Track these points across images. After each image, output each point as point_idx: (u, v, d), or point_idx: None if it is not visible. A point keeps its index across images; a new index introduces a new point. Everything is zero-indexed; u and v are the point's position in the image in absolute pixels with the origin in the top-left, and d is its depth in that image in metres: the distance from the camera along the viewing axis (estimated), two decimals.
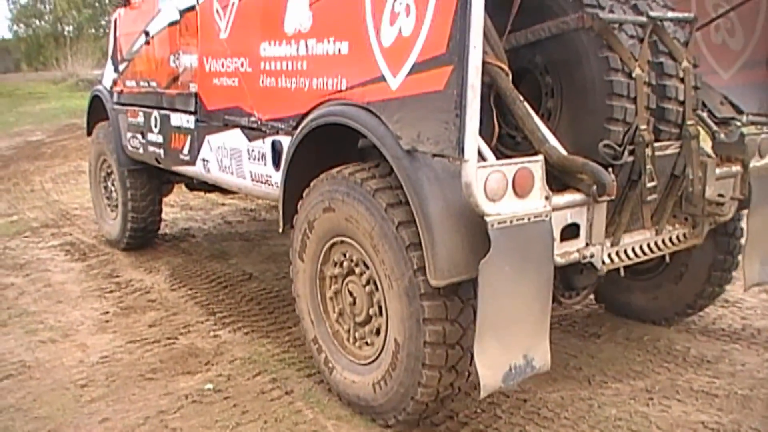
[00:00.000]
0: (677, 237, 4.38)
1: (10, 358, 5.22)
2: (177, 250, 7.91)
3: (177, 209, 9.95)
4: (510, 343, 3.32)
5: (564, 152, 3.64)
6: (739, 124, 4.57)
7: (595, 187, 3.58)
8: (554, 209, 3.49)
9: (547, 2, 4.01)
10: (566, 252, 3.67)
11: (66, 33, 49.48)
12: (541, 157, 3.49)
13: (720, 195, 4.40)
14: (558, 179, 3.59)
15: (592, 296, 5.53)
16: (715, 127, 4.58)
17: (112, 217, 8.26)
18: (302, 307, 4.54)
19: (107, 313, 6.06)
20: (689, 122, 4.19)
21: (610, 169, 3.65)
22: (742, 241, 4.71)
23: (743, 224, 4.67)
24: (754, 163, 4.51)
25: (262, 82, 4.75)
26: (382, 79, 3.63)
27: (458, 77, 3.08)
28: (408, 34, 3.40)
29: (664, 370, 4.70)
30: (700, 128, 4.25)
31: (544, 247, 3.36)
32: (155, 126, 6.64)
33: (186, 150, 6.05)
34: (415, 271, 3.62)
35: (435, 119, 3.26)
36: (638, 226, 4.16)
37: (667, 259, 4.86)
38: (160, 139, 6.60)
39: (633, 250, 4.13)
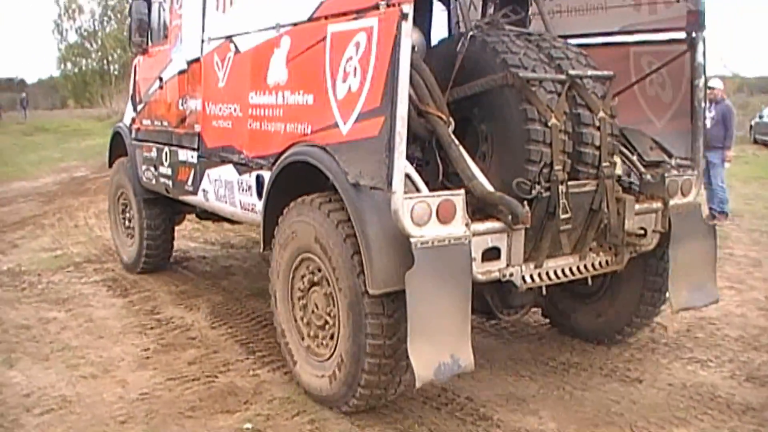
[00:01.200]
0: (599, 263, 5.19)
1: (51, 392, 5.28)
2: (217, 288, 7.99)
3: (218, 247, 10.05)
4: (438, 344, 4.05)
5: (489, 188, 4.50)
6: (668, 166, 5.44)
7: (510, 217, 4.39)
8: (475, 234, 4.35)
9: (481, 62, 4.92)
10: (488, 271, 4.46)
11: (112, 71, 50.00)
12: (462, 191, 4.36)
13: (641, 228, 5.25)
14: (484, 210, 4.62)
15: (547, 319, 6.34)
16: (642, 169, 5.45)
17: (129, 243, 8.99)
18: (278, 314, 5.36)
19: (148, 349, 6.14)
20: (605, 164, 4.91)
21: (526, 203, 4.46)
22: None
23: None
24: (676, 201, 5.34)
25: (250, 125, 5.74)
26: (336, 125, 4.57)
27: (388, 126, 3.96)
28: (355, 90, 4.34)
29: (708, 418, 4.66)
30: (628, 168, 5.38)
31: (462, 265, 4.17)
32: (165, 160, 7.58)
33: (190, 181, 6.97)
34: (358, 274, 4.47)
35: (371, 159, 4.16)
36: (561, 252, 4.90)
37: (606, 282, 5.81)
38: (169, 171, 7.53)
39: (555, 272, 4.90)
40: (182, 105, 7.11)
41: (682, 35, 5.43)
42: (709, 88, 11.20)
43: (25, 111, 49.96)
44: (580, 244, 5.06)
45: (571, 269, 5.00)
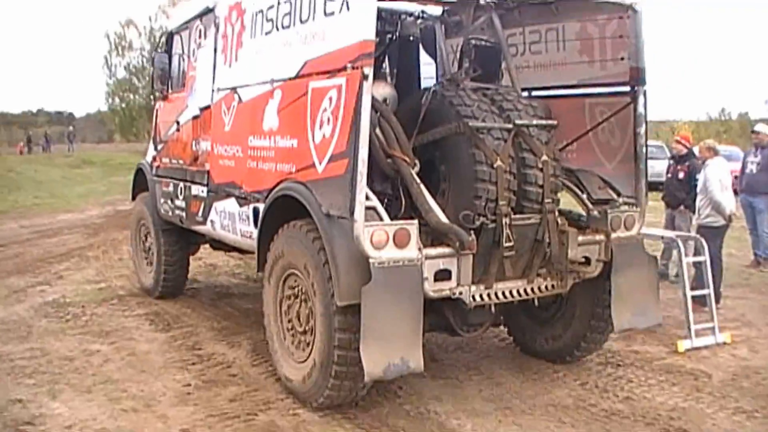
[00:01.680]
0: (545, 286, 6.00)
1: (92, 425, 5.31)
2: (259, 326, 7.98)
3: (259, 284, 10.31)
4: (388, 347, 4.82)
5: (443, 219, 5.37)
6: (615, 203, 6.33)
7: (458, 244, 5.26)
8: (427, 258, 5.18)
9: (440, 113, 5.88)
10: (440, 289, 5.28)
11: None
12: (416, 221, 5.21)
13: (585, 257, 6.06)
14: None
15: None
16: (590, 206, 6.32)
17: (149, 270, 9.72)
18: (268, 320, 6.24)
19: (189, 385, 6.18)
20: (547, 201, 5.81)
21: (473, 232, 5.28)
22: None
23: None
24: (619, 234, 6.15)
25: (248, 164, 6.72)
26: (314, 165, 5.49)
27: (351, 166, 4.84)
28: (328, 136, 5.24)
29: None
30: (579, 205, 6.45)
31: (414, 283, 5.01)
32: (180, 194, 8.47)
33: (200, 213, 7.88)
34: (332, 294, 5.31)
35: (339, 193, 5.06)
36: (511, 276, 5.72)
37: (562, 308, 6.59)
38: (183, 204, 8.43)
39: (503, 293, 5.72)
40: (195, 146, 8.05)
41: (627, 89, 6.21)
42: (755, 132, 11.32)
43: (72, 144, 50.27)
44: (528, 270, 5.90)
45: (518, 291, 5.85)
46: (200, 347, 7.08)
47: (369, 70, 4.86)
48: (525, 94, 6.88)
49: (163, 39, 9.49)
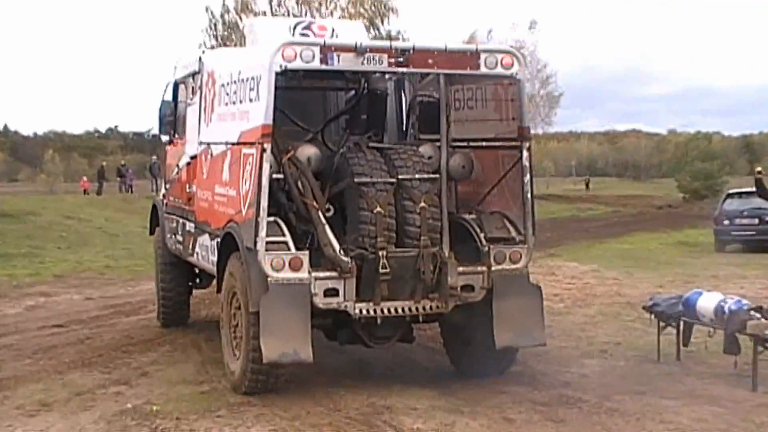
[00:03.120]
0: (429, 307, 9.54)
1: None
2: None
3: None
4: (283, 341, 8.77)
5: (332, 251, 9.19)
6: (513, 240, 9.87)
7: (340, 269, 9.15)
8: (317, 279, 9.10)
9: (344, 170, 9.64)
10: (329, 303, 9.19)
11: None
12: (307, 251, 9.18)
13: (468, 284, 9.63)
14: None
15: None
16: (483, 243, 9.73)
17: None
18: (223, 330, 10.22)
19: None
20: (423, 238, 9.42)
21: (355, 261, 9.31)
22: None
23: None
24: (504, 266, 9.71)
25: (215, 207, 10.66)
26: (241, 211, 9.42)
27: (256, 213, 8.81)
28: (247, 188, 9.23)
29: None
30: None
31: (303, 297, 8.96)
32: (180, 229, 12.63)
33: (190, 246, 12.01)
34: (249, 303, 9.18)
35: (250, 231, 8.95)
36: (399, 297, 9.44)
37: (470, 333, 10.17)
38: (181, 238, 12.56)
39: (389, 309, 9.37)
40: (189, 189, 11.99)
41: (518, 144, 9.68)
42: None
43: (156, 180, 47.02)
44: (416, 293, 9.51)
45: (404, 309, 9.48)
46: None
47: (267, 146, 8.77)
48: (464, 143, 10.81)
49: (170, 87, 13.15)
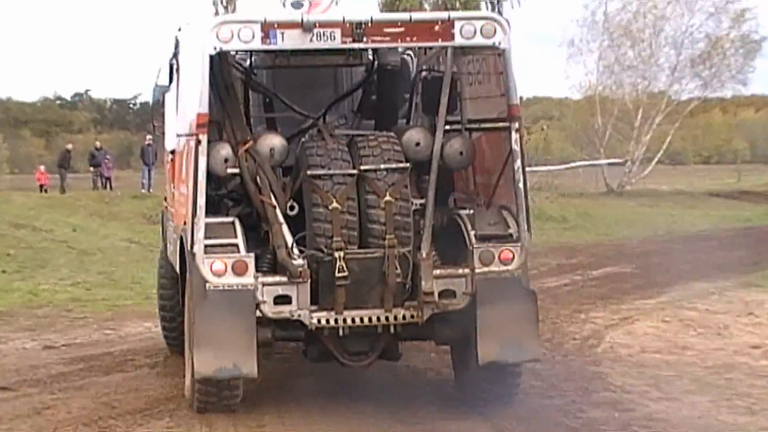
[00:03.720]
0: (402, 316, 10.97)
1: None
2: None
3: None
4: (220, 354, 10.70)
5: (282, 254, 11.17)
6: (508, 237, 11.48)
7: (289, 274, 10.81)
8: (265, 284, 10.96)
9: (301, 162, 11.81)
10: (279, 311, 10.96)
11: None
12: (253, 254, 10.99)
13: (448, 290, 11.02)
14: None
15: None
16: (473, 242, 11.00)
17: None
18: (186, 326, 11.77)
19: None
20: (389, 237, 10.82)
21: (308, 263, 11.48)
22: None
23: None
24: (492, 268, 10.99)
25: (178, 208, 12.89)
26: (188, 211, 11.05)
27: (192, 213, 11.17)
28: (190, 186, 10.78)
29: None
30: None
31: (247, 304, 10.80)
32: (169, 236, 14.45)
33: (171, 248, 13.90)
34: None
35: (190, 233, 10.80)
36: (367, 306, 11.21)
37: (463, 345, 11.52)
38: (171, 246, 14.06)
39: (353, 319, 11.04)
40: (171, 188, 13.90)
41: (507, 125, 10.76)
42: None
43: (151, 170, 48.44)
44: (385, 300, 10.78)
45: (370, 318, 10.68)
46: None
47: (203, 137, 10.28)
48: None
49: (165, 68, 13.81)
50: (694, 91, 67.84)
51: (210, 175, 11.16)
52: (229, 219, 10.98)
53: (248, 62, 12.79)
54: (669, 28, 67.36)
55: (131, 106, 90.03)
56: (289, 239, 10.92)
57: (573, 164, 63.29)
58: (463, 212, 11.35)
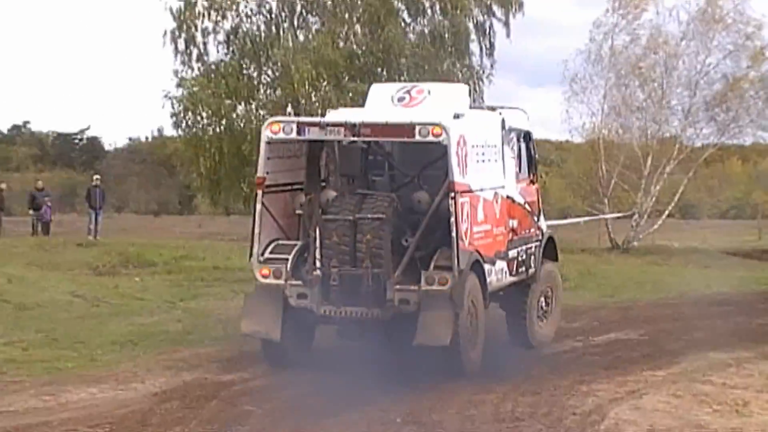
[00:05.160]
0: (375, 313, 20.62)
1: None
2: None
3: None
4: (258, 322, 22.53)
5: (307, 268, 21.25)
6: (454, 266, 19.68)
7: (305, 280, 21.27)
8: (291, 285, 21.49)
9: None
10: (300, 303, 21.40)
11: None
12: (284, 265, 22.02)
13: (405, 299, 20.54)
14: None
15: None
16: (430, 269, 20.78)
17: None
18: None
19: None
20: (366, 263, 20.45)
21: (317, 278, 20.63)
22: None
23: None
24: (433, 287, 20.81)
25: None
26: None
27: (251, 236, 22.68)
28: None
29: None
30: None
31: (278, 296, 22.38)
32: None
33: None
34: None
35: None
36: (357, 305, 21.29)
37: None
38: None
39: (345, 312, 21.10)
40: None
41: None
42: None
43: (98, 215, 50.40)
44: (367, 303, 19.80)
45: (354, 313, 19.99)
46: None
47: (259, 192, 22.23)
48: None
49: None
50: (710, 137, 65.48)
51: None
52: (298, 242, 19.06)
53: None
54: (682, 66, 63.60)
55: (77, 141, 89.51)
56: (315, 258, 18.67)
57: (575, 219, 63.89)
58: (439, 250, 18.94)
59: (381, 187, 21.77)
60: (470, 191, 20.83)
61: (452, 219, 18.57)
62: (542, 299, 25.98)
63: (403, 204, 20.79)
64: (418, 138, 18.47)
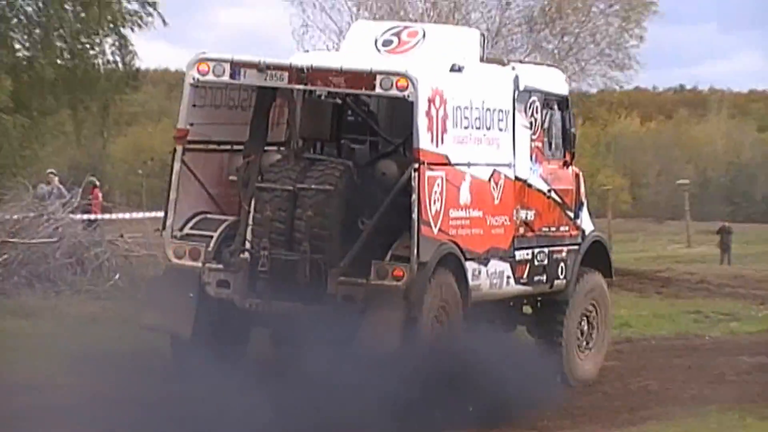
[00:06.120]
0: (316, 309, 17.18)
1: None
2: None
3: None
4: (163, 313, 20.20)
5: (230, 248, 18.55)
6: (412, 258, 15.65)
7: (227, 264, 18.17)
8: (210, 270, 18.16)
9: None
10: (220, 293, 18.17)
11: None
12: (204, 243, 18.47)
13: (349, 295, 17.50)
14: None
15: None
16: (386, 259, 17.64)
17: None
18: None
19: None
20: (304, 245, 18.28)
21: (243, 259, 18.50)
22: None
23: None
24: (385, 282, 17.39)
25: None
26: None
27: (165, 204, 20.02)
28: None
29: None
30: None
31: (192, 281, 18.32)
32: None
33: None
34: None
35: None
36: (289, 298, 18.86)
37: None
38: None
39: (275, 307, 18.46)
40: None
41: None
42: None
43: None
44: (302, 296, 16.12)
45: (287, 308, 16.14)
46: None
47: (179, 147, 17.02)
48: None
49: None
50: None
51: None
52: (231, 218, 15.71)
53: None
54: None
55: None
56: (246, 237, 16.06)
57: None
58: (400, 238, 15.31)
59: (360, 158, 17.33)
60: (447, 164, 16.12)
61: (414, 196, 14.32)
62: (584, 323, 20.03)
63: (364, 176, 16.42)
64: (378, 90, 14.35)
